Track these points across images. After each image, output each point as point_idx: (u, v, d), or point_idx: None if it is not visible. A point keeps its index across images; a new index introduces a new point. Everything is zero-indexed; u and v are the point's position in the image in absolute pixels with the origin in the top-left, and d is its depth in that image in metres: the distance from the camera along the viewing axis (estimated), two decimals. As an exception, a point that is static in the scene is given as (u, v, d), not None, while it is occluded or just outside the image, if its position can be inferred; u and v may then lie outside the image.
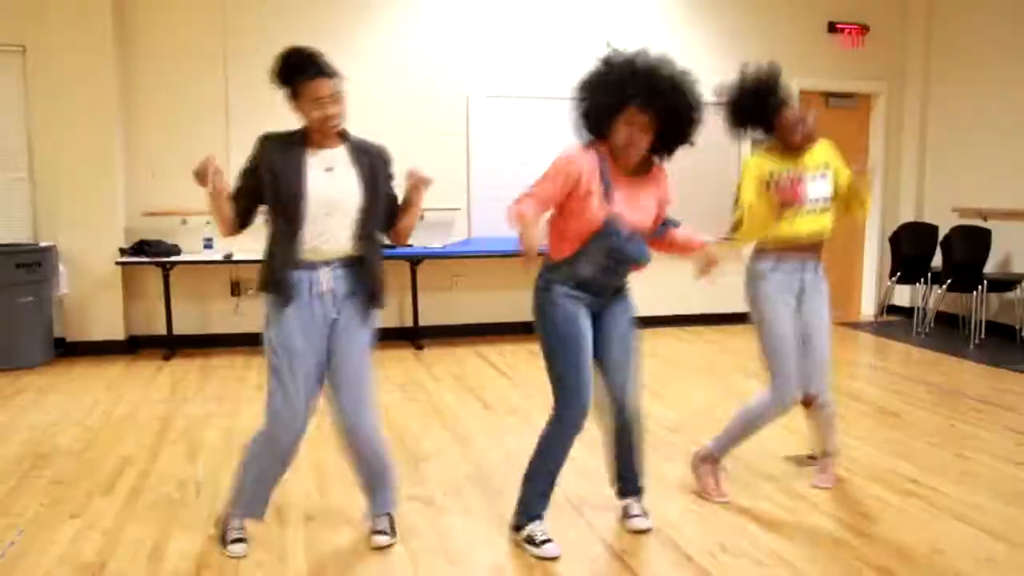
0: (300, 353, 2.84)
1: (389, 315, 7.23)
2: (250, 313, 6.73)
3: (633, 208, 2.95)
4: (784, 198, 3.31)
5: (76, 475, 3.81)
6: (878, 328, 7.76)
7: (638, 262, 3.00)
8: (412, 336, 7.03)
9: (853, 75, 8.15)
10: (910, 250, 7.60)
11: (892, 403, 5.07)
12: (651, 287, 7.69)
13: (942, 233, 7.39)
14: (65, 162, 6.30)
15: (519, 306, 7.33)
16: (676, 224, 3.20)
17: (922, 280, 7.55)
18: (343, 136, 2.94)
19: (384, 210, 2.98)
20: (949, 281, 7.03)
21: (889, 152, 8.36)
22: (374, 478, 3.06)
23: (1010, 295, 7.17)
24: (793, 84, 7.77)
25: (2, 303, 5.91)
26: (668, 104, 2.85)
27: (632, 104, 2.83)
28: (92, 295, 6.47)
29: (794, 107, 3.43)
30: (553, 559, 2.94)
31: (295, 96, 2.82)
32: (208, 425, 4.58)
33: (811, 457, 3.98)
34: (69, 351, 6.47)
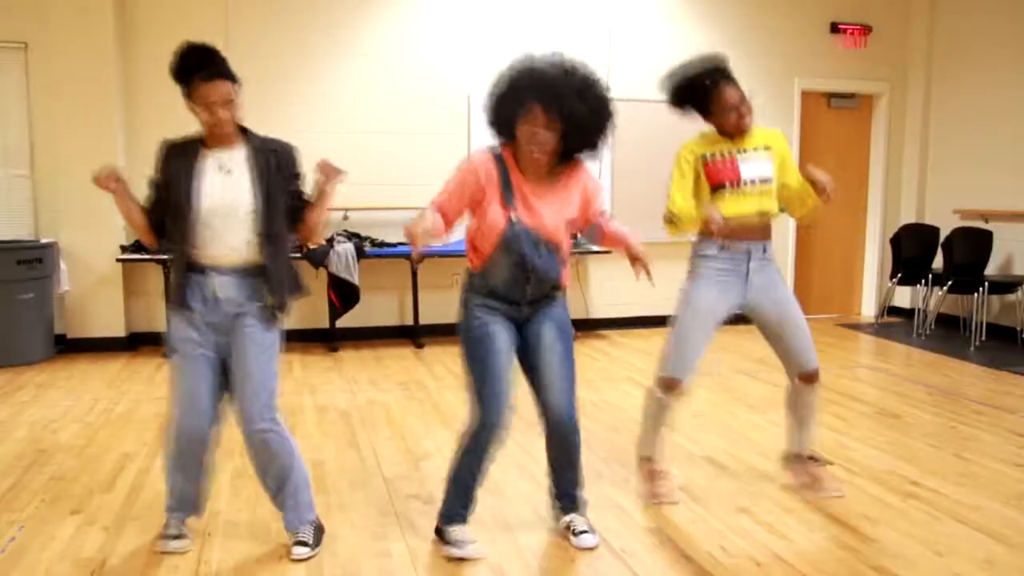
0: (191, 349, 2.83)
1: (389, 313, 7.25)
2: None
3: (544, 212, 2.86)
4: (718, 177, 3.31)
5: (76, 471, 3.81)
6: (878, 329, 7.76)
7: (545, 277, 2.89)
8: (412, 334, 7.03)
9: (855, 75, 8.15)
10: (911, 251, 7.59)
11: (892, 404, 5.07)
12: (657, 286, 7.72)
13: (943, 235, 7.39)
14: (66, 159, 6.30)
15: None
16: (605, 217, 3.07)
17: (923, 282, 7.55)
18: (245, 135, 2.90)
19: (289, 210, 2.92)
20: (950, 283, 7.02)
21: (891, 153, 8.35)
22: (280, 488, 2.99)
23: (1011, 297, 7.16)
24: (795, 84, 7.91)
25: (3, 299, 5.91)
26: (570, 106, 2.75)
27: (535, 103, 2.76)
28: (93, 292, 6.48)
29: (733, 89, 3.31)
30: (474, 560, 2.92)
31: (189, 96, 2.79)
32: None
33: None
34: (70, 348, 6.48)
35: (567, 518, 3.14)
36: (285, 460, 2.95)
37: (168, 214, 2.84)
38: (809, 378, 3.47)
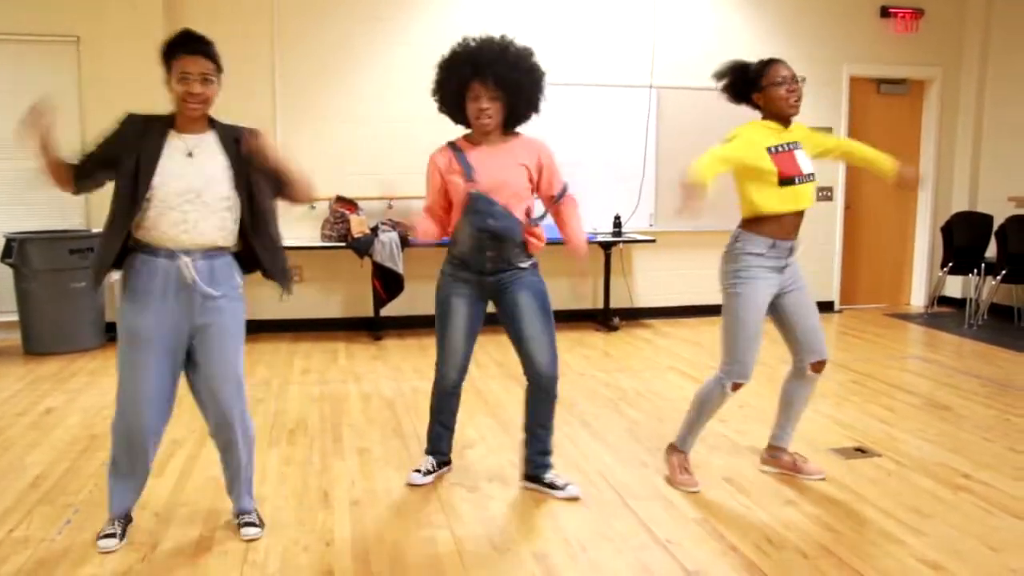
0: (147, 336, 2.80)
1: (427, 303, 7.26)
2: (297, 299, 6.80)
3: (497, 172, 3.22)
4: (787, 170, 3.24)
5: (128, 457, 3.88)
6: (928, 319, 7.61)
7: (506, 236, 3.21)
8: (456, 324, 7.04)
9: (906, 60, 7.97)
10: (963, 240, 7.43)
11: (943, 396, 4.98)
12: (701, 275, 7.66)
13: (996, 223, 7.22)
14: (117, 150, 6.42)
15: (566, 294, 7.31)
16: (566, 196, 3.38)
17: (975, 271, 7.38)
18: (211, 124, 2.89)
19: (272, 187, 2.91)
20: (1004, 272, 6.86)
21: (942, 139, 8.17)
22: (238, 475, 3.10)
23: (1067, 287, 6.99)
24: (843, 70, 7.77)
25: (56, 288, 6.04)
26: (502, 71, 3.14)
27: (473, 80, 3.17)
28: (143, 281, 6.58)
29: (784, 66, 3.31)
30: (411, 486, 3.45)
31: (168, 71, 2.78)
32: (255, 411, 4.63)
33: (858, 449, 3.93)
34: (120, 336, 6.61)
35: (548, 475, 3.43)
36: (251, 448, 3.09)
37: (120, 190, 2.77)
38: (820, 366, 3.52)
